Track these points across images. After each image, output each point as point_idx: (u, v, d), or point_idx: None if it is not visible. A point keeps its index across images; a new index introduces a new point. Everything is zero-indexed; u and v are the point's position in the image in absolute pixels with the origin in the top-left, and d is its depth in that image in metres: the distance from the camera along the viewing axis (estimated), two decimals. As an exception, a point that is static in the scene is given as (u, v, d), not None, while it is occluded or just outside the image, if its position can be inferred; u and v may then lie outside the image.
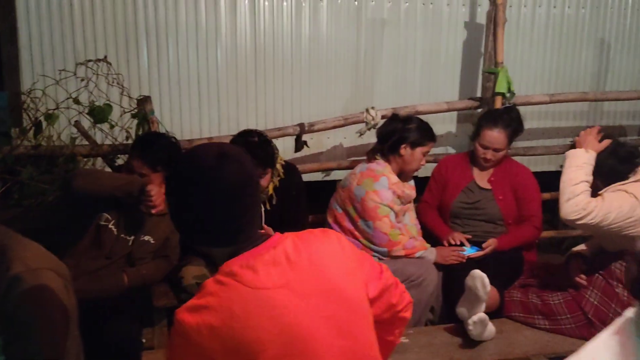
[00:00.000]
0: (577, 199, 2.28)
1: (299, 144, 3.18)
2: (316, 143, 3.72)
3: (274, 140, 3.30)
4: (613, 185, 2.35)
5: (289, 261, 1.26)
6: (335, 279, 1.29)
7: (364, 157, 2.95)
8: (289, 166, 2.79)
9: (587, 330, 2.42)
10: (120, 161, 2.92)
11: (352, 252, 1.38)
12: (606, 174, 2.39)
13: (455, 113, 3.92)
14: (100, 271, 2.35)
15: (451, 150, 3.97)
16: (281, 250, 1.27)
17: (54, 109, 2.68)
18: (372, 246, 2.78)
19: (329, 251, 1.33)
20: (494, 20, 3.29)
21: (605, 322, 2.38)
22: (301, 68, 3.58)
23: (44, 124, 2.68)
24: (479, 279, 2.34)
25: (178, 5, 3.31)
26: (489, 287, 2.34)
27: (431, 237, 2.99)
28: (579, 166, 2.37)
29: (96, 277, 2.33)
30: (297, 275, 1.25)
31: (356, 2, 3.68)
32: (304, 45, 3.58)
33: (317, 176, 3.67)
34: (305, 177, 3.56)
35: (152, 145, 2.42)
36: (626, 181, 2.35)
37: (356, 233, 2.80)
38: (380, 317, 1.48)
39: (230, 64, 3.43)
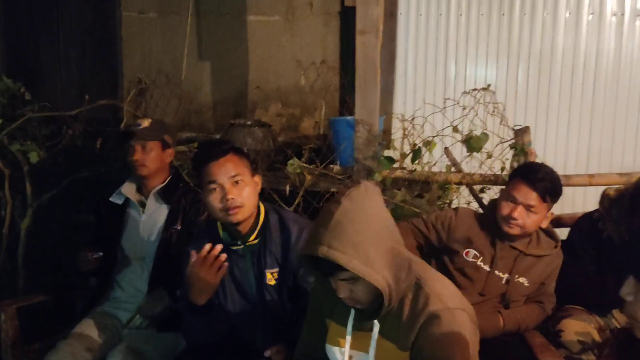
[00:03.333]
0: None
1: None
2: None
3: None
4: None
5: None
6: None
7: None
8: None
9: None
10: (487, 195, 2.81)
11: None
12: None
13: None
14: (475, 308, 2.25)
15: None
16: None
17: (434, 136, 2.73)
18: None
19: None
20: None
21: None
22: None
23: (423, 149, 2.75)
24: None
25: (556, 29, 3.08)
26: None
27: None
28: None
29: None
30: None
31: None
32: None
33: None
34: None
35: (538, 173, 2.23)
36: None
37: None
38: None
39: (610, 93, 3.04)
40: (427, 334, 1.45)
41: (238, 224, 1.91)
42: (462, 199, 2.89)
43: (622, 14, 3.04)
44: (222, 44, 3.81)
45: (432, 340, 1.44)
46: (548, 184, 2.22)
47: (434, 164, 2.86)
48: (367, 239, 1.39)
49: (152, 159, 2.42)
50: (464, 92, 2.72)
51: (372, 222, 1.42)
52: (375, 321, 1.52)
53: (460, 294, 1.58)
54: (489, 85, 2.74)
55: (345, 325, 1.58)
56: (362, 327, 1.56)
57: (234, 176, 1.87)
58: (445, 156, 2.94)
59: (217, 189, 1.87)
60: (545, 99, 3.13)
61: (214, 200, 1.87)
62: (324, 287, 1.56)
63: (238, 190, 1.87)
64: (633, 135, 3.06)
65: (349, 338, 1.57)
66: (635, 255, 1.11)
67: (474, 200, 2.87)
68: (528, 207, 2.21)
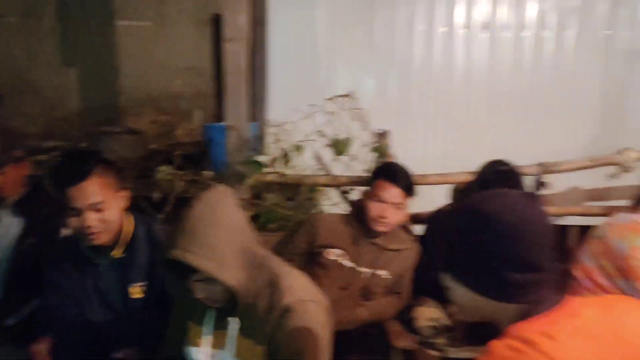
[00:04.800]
0: None
1: (539, 185, 2.94)
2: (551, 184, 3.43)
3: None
4: None
5: (592, 335, 1.09)
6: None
7: (607, 203, 2.63)
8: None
9: None
10: (353, 196, 2.98)
11: None
12: None
13: None
14: (336, 303, 2.37)
15: None
16: (583, 321, 1.11)
17: (302, 141, 2.85)
18: (630, 308, 2.42)
19: (637, 325, 1.14)
20: None
21: None
22: (541, 103, 3.35)
23: (292, 154, 2.86)
24: None
25: (413, 41, 3.33)
26: None
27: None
28: None
29: (333, 308, 2.35)
30: (600, 353, 1.08)
31: (606, 32, 3.34)
32: (545, 79, 3.35)
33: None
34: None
35: (398, 171, 2.41)
36: None
37: (614, 290, 2.46)
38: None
39: (465, 98, 3.35)
40: (280, 327, 1.53)
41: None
42: (332, 200, 3.04)
43: (468, 27, 3.35)
44: (89, 50, 3.70)
45: (285, 333, 1.53)
46: (408, 180, 2.40)
47: (305, 168, 2.99)
48: (220, 240, 1.45)
49: (10, 182, 2.29)
50: (327, 99, 2.86)
51: (224, 223, 1.48)
52: (233, 318, 1.58)
53: (314, 287, 1.68)
54: (351, 93, 2.91)
55: (204, 325, 1.63)
56: (221, 326, 1.61)
57: (94, 203, 1.78)
58: (316, 160, 3.07)
59: (76, 214, 1.79)
60: (407, 105, 3.36)
61: (73, 223, 1.81)
62: (183, 290, 1.59)
63: (99, 216, 1.80)
64: (483, 137, 3.37)
65: (207, 337, 1.62)
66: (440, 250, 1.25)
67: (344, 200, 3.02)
68: (395, 205, 2.37)
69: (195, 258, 1.42)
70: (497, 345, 1.13)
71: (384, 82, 3.39)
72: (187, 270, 1.47)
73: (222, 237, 1.45)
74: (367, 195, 2.45)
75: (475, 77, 3.39)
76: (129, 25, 3.72)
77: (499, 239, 1.15)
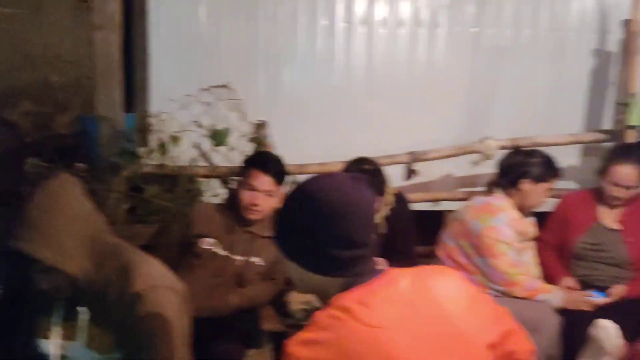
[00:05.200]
0: None
1: (409, 173, 3.12)
2: (424, 172, 3.64)
3: (384, 168, 3.29)
4: None
5: (406, 300, 1.20)
6: (454, 321, 1.22)
7: (476, 189, 2.83)
8: (400, 196, 2.73)
9: None
10: (233, 186, 3.01)
11: (475, 294, 1.30)
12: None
13: (578, 145, 3.67)
14: (209, 290, 2.40)
15: (574, 186, 3.69)
16: (397, 288, 1.21)
17: (179, 131, 2.83)
18: (489, 284, 2.64)
19: (449, 291, 1.26)
20: (627, 48, 3.05)
21: None
22: (415, 95, 3.53)
23: (169, 145, 2.84)
24: (606, 329, 2.13)
25: (297, 31, 3.40)
26: (620, 340, 2.12)
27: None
28: None
29: (206, 296, 2.38)
30: (413, 316, 1.19)
31: (474, 30, 3.57)
32: (418, 72, 3.53)
33: (425, 206, 3.57)
34: (413, 207, 3.49)
35: (269, 160, 2.47)
36: None
37: (471, 268, 2.67)
38: (497, 365, 1.38)
39: (344, 91, 3.46)
40: (132, 314, 1.54)
41: None
42: (212, 191, 3.05)
43: (348, 22, 3.46)
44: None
45: (137, 319, 1.54)
46: (279, 168, 2.47)
47: (185, 159, 2.98)
48: (60, 229, 1.44)
49: None
50: (202, 89, 2.86)
51: (66, 212, 1.46)
52: (82, 308, 1.57)
53: (171, 274, 1.69)
54: (228, 84, 2.93)
55: (52, 316, 1.61)
56: (71, 317, 1.60)
57: None
58: (196, 150, 3.06)
59: None
60: (287, 96, 3.41)
61: None
62: (27, 281, 1.56)
63: None
64: (361, 128, 3.50)
65: (57, 329, 1.60)
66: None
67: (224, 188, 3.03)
68: (267, 193, 2.43)
69: (33, 247, 1.40)
70: (320, 315, 1.21)
71: (265, 73, 3.43)
72: (29, 260, 1.44)
73: (63, 226, 1.44)
74: (239, 184, 2.49)
75: (354, 70, 3.50)
76: (2, 12, 3.51)
77: (324, 218, 1.23)
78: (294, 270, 1.30)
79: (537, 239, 3.01)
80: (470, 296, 1.29)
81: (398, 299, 1.20)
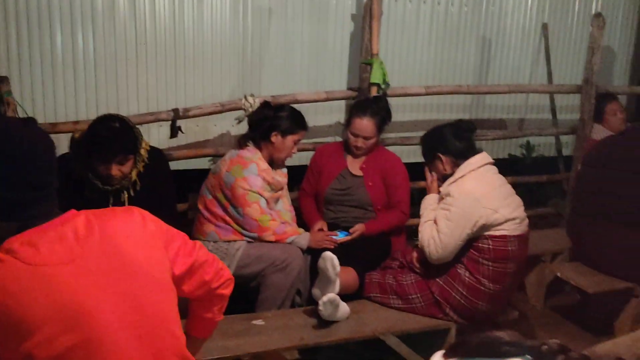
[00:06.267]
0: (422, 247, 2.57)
1: (174, 130, 3.15)
2: (202, 130, 3.71)
3: (148, 126, 3.29)
4: (449, 187, 2.53)
5: (78, 237, 1.25)
6: (131, 255, 1.31)
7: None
8: (155, 151, 2.76)
9: (435, 309, 2.56)
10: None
11: (156, 230, 1.40)
12: (451, 152, 2.57)
13: (343, 103, 4.01)
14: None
15: (339, 140, 4.05)
16: (70, 227, 1.26)
17: None
18: (243, 231, 2.81)
19: (127, 228, 1.34)
20: (370, 12, 3.39)
21: (449, 301, 2.53)
22: (183, 54, 3.55)
23: None
24: (329, 260, 2.43)
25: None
26: (338, 268, 2.43)
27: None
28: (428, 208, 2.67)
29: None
30: (85, 252, 1.25)
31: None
32: (186, 31, 3.54)
33: (204, 163, 3.65)
34: (189, 165, 3.55)
35: None
36: (458, 177, 2.52)
37: (227, 219, 2.82)
38: (193, 293, 1.52)
39: (108, 48, 3.35)
40: None
41: None
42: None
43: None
44: None
45: None
46: None
47: None
48: None
49: None
50: None
51: None
52: None
53: None
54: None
55: None
56: None
57: None
58: None
59: None
60: (41, 53, 3.20)
61: None
62: None
63: None
64: (124, 85, 3.42)
65: None
66: None
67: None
68: None
69: None
70: None
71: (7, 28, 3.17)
72: None
73: None
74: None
75: (119, 27, 3.39)
76: None
77: None
78: None
79: (299, 189, 3.29)
80: (153, 232, 1.39)
81: (68, 237, 1.25)
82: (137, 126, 2.69)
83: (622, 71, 5.36)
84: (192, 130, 3.63)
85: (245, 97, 3.26)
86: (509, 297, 2.72)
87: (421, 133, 2.91)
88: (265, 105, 2.97)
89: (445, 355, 0.92)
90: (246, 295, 2.74)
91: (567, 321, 3.29)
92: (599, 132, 3.94)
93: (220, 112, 3.30)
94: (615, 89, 4.58)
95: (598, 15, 4.00)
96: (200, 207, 2.90)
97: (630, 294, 3.07)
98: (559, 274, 3.19)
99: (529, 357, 0.85)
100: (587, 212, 3.21)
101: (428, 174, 2.78)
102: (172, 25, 3.52)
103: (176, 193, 2.88)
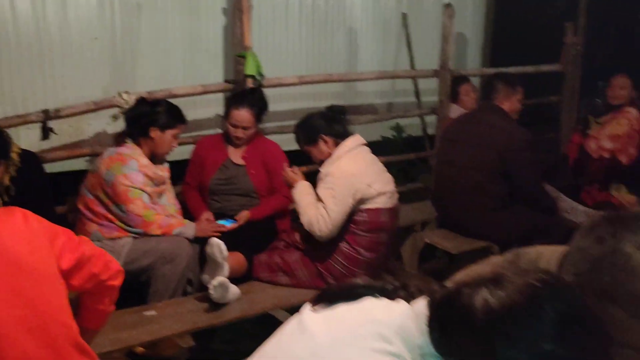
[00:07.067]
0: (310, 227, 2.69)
1: (45, 132, 3.07)
2: (75, 130, 3.62)
3: (17, 129, 3.17)
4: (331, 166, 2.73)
5: None
6: (16, 253, 1.35)
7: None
8: (27, 154, 2.68)
9: (319, 280, 2.77)
10: None
11: (39, 227, 1.45)
12: (332, 133, 2.79)
13: (221, 96, 4.09)
14: None
15: (220, 132, 4.13)
16: None
17: None
18: (128, 228, 2.82)
19: (9, 227, 1.38)
20: (240, 6, 3.50)
21: (330, 271, 2.76)
22: (49, 52, 3.44)
23: None
24: (216, 246, 2.54)
25: None
26: (225, 252, 2.55)
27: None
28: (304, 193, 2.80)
29: None
30: None
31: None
32: (50, 28, 3.44)
33: (81, 164, 3.57)
34: (65, 167, 3.46)
35: None
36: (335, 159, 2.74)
37: (110, 216, 2.81)
38: (83, 287, 1.58)
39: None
40: None
41: None
42: None
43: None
44: None
45: None
46: None
47: None
48: None
49: None
50: None
51: None
52: None
53: None
54: None
55: None
56: None
57: None
58: None
59: None
60: None
61: None
62: None
63: None
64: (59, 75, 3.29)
65: None
66: None
67: None
68: None
69: None
70: None
71: None
72: None
73: None
74: None
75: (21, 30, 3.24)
76: None
77: None
78: None
79: (183, 182, 3.34)
80: (36, 230, 1.43)
81: None
82: (5, 130, 2.61)
83: (474, 55, 5.93)
84: (65, 131, 3.54)
85: (119, 94, 3.24)
86: (384, 264, 2.99)
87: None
88: (141, 101, 2.99)
89: (312, 304, 1.10)
90: (137, 290, 2.76)
91: (438, 282, 3.65)
92: (455, 111, 4.38)
93: (94, 110, 3.26)
94: (468, 71, 5.09)
95: (448, 5, 4.42)
96: (81, 207, 2.86)
97: (489, 251, 3.48)
98: (427, 240, 3.53)
99: (377, 294, 1.05)
100: (446, 182, 3.57)
101: (289, 171, 2.94)
102: (35, 21, 3.40)
103: (53, 196, 2.83)
